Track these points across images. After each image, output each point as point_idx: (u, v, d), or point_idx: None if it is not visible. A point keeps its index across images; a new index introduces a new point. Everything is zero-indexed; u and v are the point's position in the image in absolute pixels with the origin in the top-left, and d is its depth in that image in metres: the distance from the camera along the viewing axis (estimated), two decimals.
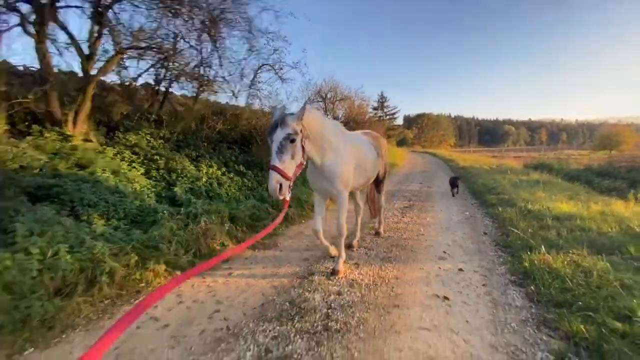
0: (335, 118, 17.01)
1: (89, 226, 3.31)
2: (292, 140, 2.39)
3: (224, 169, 6.31)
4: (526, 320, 2.44)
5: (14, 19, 4.51)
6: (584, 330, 2.20)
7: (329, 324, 2.32)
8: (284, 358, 1.96)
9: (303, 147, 2.50)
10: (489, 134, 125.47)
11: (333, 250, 3.49)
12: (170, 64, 6.50)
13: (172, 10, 5.48)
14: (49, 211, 3.20)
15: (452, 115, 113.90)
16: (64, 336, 2.16)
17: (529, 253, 3.57)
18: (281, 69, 7.96)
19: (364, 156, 3.48)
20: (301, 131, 2.47)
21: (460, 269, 3.39)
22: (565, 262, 3.22)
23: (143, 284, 2.79)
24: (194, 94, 7.19)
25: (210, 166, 6.09)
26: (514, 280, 3.16)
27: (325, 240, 3.31)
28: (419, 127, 67.77)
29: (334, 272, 3.17)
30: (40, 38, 4.45)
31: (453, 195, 7.77)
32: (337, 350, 2.05)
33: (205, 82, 7.04)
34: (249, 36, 6.58)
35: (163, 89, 7.16)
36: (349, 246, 3.96)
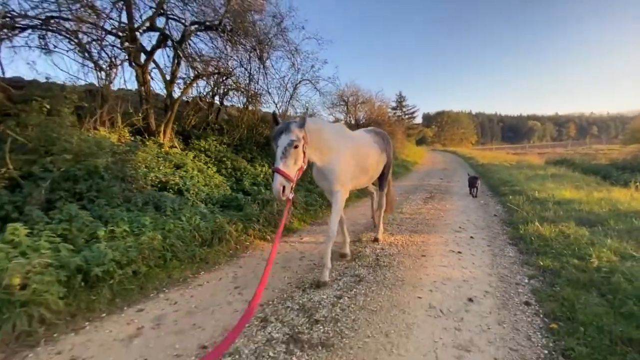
0: (357, 120, 18.24)
1: (198, 208, 4.72)
2: (296, 147, 2.58)
3: None
4: (514, 262, 3.61)
5: (123, 54, 6.03)
6: (550, 264, 3.34)
7: (379, 263, 3.58)
8: (355, 276, 3.24)
9: (304, 152, 2.71)
10: (512, 130, 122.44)
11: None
12: (226, 81, 7.96)
13: (233, 41, 6.91)
14: (174, 196, 4.63)
15: (474, 112, 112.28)
16: (215, 267, 3.53)
17: (525, 225, 4.68)
18: (317, 82, 9.31)
19: (365, 155, 3.64)
20: (303, 137, 2.67)
21: (472, 237, 4.55)
22: (553, 231, 4.32)
23: (248, 243, 4.17)
24: (244, 106, 8.62)
25: (263, 165, 7.48)
26: (510, 242, 4.31)
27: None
28: (439, 125, 67.81)
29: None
30: (143, 69, 5.96)
31: (473, 196, 7.60)
32: (387, 274, 3.30)
33: (252, 95, 8.47)
34: (291, 57, 7.95)
35: (217, 102, 8.64)
36: (374, 240, 4.37)
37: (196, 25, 6.20)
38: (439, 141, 60.85)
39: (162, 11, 5.71)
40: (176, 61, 6.65)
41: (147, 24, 5.64)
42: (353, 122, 17.70)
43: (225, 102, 8.73)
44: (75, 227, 3.10)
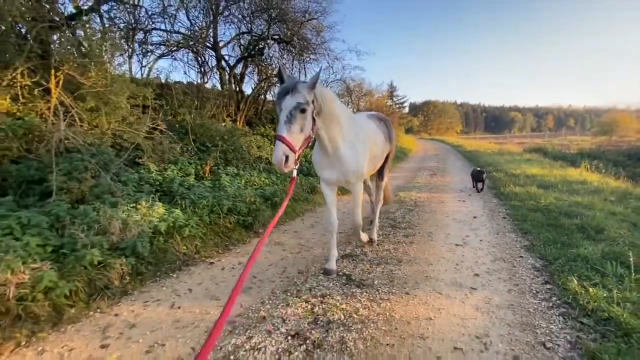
0: (359, 110, 20.54)
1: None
2: (303, 110, 2.27)
3: None
4: (497, 204, 6.09)
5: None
6: (517, 203, 5.84)
7: (417, 204, 5.96)
8: (407, 208, 5.61)
9: (314, 119, 2.38)
10: (494, 120, 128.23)
11: (333, 256, 3.20)
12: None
13: (289, 49, 9.01)
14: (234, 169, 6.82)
15: (458, 102, 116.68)
16: (310, 209, 5.80)
17: (504, 187, 7.19)
18: (346, 81, 11.51)
19: (375, 144, 3.40)
20: (313, 102, 2.35)
21: (469, 195, 7.01)
22: (521, 190, 6.82)
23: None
24: None
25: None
26: (494, 196, 6.81)
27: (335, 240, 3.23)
28: (425, 114, 71.05)
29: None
30: (230, 73, 8.00)
31: (478, 191, 7.11)
32: (425, 208, 5.68)
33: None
34: (330, 62, 10.10)
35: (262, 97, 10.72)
36: (369, 241, 3.94)
37: (272, 41, 8.24)
38: (425, 130, 64.06)
39: (248, 31, 7.75)
40: (244, 64, 8.70)
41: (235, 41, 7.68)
42: (356, 110, 20.00)
43: (269, 97, 10.82)
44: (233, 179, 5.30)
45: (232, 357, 1.96)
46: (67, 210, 2.92)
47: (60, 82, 3.53)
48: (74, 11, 4.45)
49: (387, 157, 3.96)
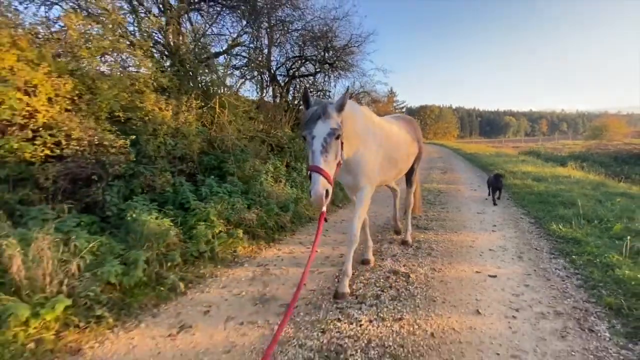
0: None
1: None
2: (337, 137, 2.16)
3: None
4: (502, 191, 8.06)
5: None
6: (517, 191, 7.80)
7: (441, 192, 7.89)
8: (434, 193, 7.54)
9: (342, 143, 2.27)
10: (489, 125, 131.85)
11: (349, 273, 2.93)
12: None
13: (323, 66, 10.96)
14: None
15: (454, 107, 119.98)
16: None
17: (505, 181, 9.17)
18: (370, 94, 13.50)
19: (396, 145, 3.29)
20: (341, 122, 2.24)
21: (479, 186, 8.97)
22: (519, 183, 8.80)
23: None
24: None
25: None
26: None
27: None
28: (422, 119, 73.69)
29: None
30: (283, 88, 9.88)
31: (494, 203, 6.44)
32: (446, 194, 7.61)
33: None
34: (360, 78, 12.07)
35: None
36: (403, 242, 4.09)
37: (321, 64, 10.16)
38: (422, 134, 66.48)
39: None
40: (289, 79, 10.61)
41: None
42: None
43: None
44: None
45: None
46: (241, 185, 4.78)
47: (217, 103, 5.40)
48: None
49: (414, 163, 3.90)
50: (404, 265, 3.51)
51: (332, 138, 2.14)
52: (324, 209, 2.07)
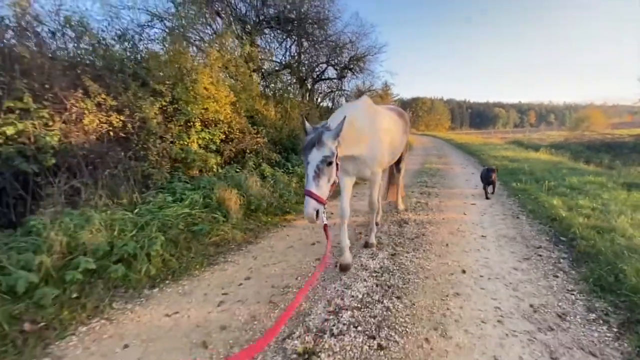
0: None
1: None
2: (330, 163, 2.39)
3: None
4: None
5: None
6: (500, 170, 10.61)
7: (440, 169, 10.65)
8: (429, 174, 10.29)
9: (337, 164, 2.52)
10: (479, 116, 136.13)
11: (347, 252, 3.30)
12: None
13: (343, 70, 13.54)
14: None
15: (445, 98, 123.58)
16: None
17: (487, 162, 11.98)
18: (378, 91, 16.11)
19: (395, 136, 3.73)
20: (337, 147, 2.47)
21: (466, 166, 11.75)
22: (499, 163, 11.60)
23: None
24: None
25: None
26: (481, 165, 11.60)
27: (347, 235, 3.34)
28: (414, 110, 76.73)
29: (367, 245, 3.83)
30: (311, 89, 12.41)
31: (487, 197, 6.41)
32: (443, 171, 10.36)
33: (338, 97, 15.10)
34: (369, 77, 14.66)
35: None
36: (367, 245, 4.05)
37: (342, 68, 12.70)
38: (414, 126, 69.67)
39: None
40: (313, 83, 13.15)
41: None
42: None
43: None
44: None
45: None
46: None
47: (289, 104, 7.96)
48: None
49: (405, 150, 4.46)
50: (424, 201, 6.19)
51: (325, 165, 2.36)
52: (324, 220, 2.41)
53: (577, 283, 2.98)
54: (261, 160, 6.37)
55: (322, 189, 2.37)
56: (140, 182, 4.33)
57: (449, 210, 5.54)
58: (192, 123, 5.33)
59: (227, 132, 5.89)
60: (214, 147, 5.63)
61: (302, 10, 9.97)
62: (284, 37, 9.96)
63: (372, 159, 3.15)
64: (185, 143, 5.18)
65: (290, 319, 2.39)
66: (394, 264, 3.40)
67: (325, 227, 2.46)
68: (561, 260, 3.47)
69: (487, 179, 6.49)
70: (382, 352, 2.09)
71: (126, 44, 5.27)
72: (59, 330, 2.26)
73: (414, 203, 6.02)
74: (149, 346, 2.17)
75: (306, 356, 2.04)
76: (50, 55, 3.94)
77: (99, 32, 4.81)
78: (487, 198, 6.35)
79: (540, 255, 3.60)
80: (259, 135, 6.23)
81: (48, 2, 4.30)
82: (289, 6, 9.50)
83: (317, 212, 2.32)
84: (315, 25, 10.73)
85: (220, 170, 5.51)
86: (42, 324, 2.24)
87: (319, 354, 2.06)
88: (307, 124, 2.62)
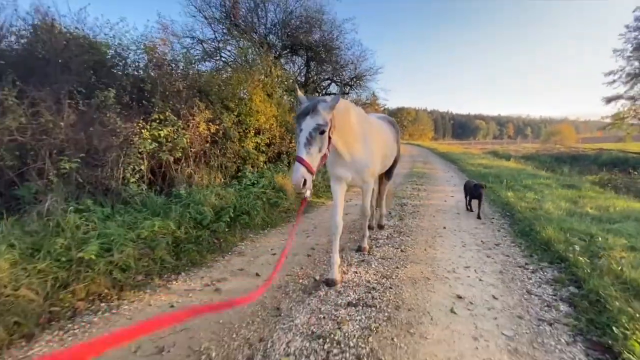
0: None
1: None
2: (322, 132, 2.42)
3: None
4: (461, 173, 13.18)
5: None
6: (470, 172, 12.94)
7: (425, 174, 12.89)
8: (417, 177, 12.51)
9: (330, 138, 2.54)
10: (461, 127, 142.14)
11: (337, 265, 3.30)
12: None
13: (344, 86, 15.70)
14: None
15: (429, 109, 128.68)
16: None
17: (464, 170, 14.34)
18: (372, 104, 18.35)
19: (387, 145, 3.80)
20: (330, 120, 2.50)
21: (447, 171, 14.07)
22: (474, 169, 13.98)
23: None
24: None
25: None
26: (460, 172, 13.94)
27: (334, 266, 3.25)
28: (399, 121, 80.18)
29: (360, 249, 4.06)
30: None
31: (478, 217, 5.92)
32: (429, 175, 12.60)
33: None
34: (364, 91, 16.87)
35: None
36: (379, 227, 5.12)
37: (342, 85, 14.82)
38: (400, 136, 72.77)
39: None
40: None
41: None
42: None
43: None
44: None
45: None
46: None
47: None
48: None
49: (395, 160, 4.49)
50: (416, 193, 8.30)
51: (317, 133, 2.40)
52: (308, 194, 2.47)
53: (509, 233, 5.11)
54: (291, 160, 8.34)
55: (313, 157, 2.39)
56: (222, 171, 6.24)
57: (434, 199, 7.68)
58: (248, 131, 7.26)
59: (270, 138, 7.84)
60: (262, 149, 7.57)
61: (316, 38, 12.09)
62: (296, 59, 12.02)
63: (365, 164, 3.17)
64: (244, 146, 7.10)
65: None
66: (402, 224, 5.47)
67: (303, 201, 2.60)
68: (504, 225, 5.60)
69: (473, 194, 6.29)
70: (403, 254, 4.11)
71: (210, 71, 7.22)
72: (227, 244, 4.18)
73: (409, 194, 8.12)
74: (277, 248, 4.11)
75: (367, 253, 4.05)
76: (179, 81, 5.80)
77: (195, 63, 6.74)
78: (469, 210, 6.47)
79: (492, 222, 5.74)
80: (291, 142, 8.20)
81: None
82: (303, 36, 11.58)
83: (305, 181, 2.33)
84: (323, 49, 12.84)
85: (265, 167, 7.44)
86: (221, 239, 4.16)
87: (374, 253, 4.08)
88: (300, 94, 2.74)
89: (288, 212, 5.78)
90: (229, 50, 10.55)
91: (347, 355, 2.18)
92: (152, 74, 5.54)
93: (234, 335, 2.37)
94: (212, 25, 11.35)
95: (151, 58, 5.67)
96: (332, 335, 2.37)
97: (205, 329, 2.42)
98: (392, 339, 2.36)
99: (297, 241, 4.47)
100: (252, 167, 7.27)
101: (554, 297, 3.04)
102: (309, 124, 2.41)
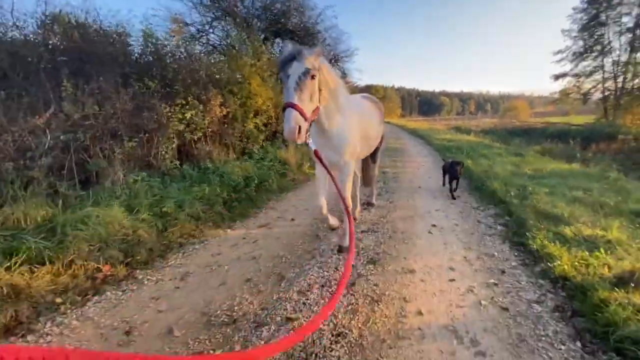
0: None
1: None
2: (312, 77, 2.26)
3: None
4: (429, 147, 14.93)
5: None
6: (436, 146, 14.72)
7: (404, 146, 14.48)
8: (395, 151, 14.09)
9: (320, 90, 2.38)
10: (427, 104, 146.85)
11: (332, 220, 3.47)
12: None
13: None
14: None
15: (396, 86, 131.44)
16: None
17: (431, 142, 16.12)
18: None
19: (369, 124, 3.56)
20: (319, 70, 2.36)
21: (416, 145, 15.78)
22: (439, 143, 15.78)
23: None
24: None
25: None
26: (428, 146, 15.71)
27: (328, 213, 3.39)
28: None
29: (342, 250, 3.51)
30: None
31: (452, 192, 5.85)
32: (407, 145, 14.20)
33: None
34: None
35: None
36: (368, 204, 5.26)
37: None
38: None
39: None
40: None
41: None
42: None
43: None
44: None
45: None
46: None
47: None
48: None
49: (380, 141, 4.46)
50: (394, 164, 9.79)
51: (308, 77, 2.21)
52: (310, 142, 2.25)
53: (467, 189, 6.70)
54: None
55: (305, 103, 2.19)
56: (233, 148, 7.30)
57: (409, 167, 9.23)
58: (249, 112, 8.26)
59: (267, 119, 8.89)
60: (262, 129, 8.63)
61: (294, 21, 12.89)
62: (280, 43, 12.81)
63: (343, 139, 2.95)
64: (246, 126, 8.12)
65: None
66: (387, 186, 6.91)
67: (316, 152, 2.39)
68: (464, 184, 7.20)
69: (451, 174, 5.93)
70: (392, 204, 5.52)
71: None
72: (259, 203, 5.38)
73: (388, 165, 9.61)
74: (297, 205, 5.36)
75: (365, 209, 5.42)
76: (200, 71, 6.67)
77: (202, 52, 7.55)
78: (453, 198, 5.76)
79: None
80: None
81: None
82: (285, 20, 12.37)
83: (299, 128, 2.11)
84: (305, 33, 13.69)
85: (263, 145, 8.54)
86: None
87: (369, 208, 5.46)
88: (287, 42, 2.61)
89: (294, 181, 7.02)
90: (216, 34, 11.16)
91: (370, 253, 3.55)
92: (175, 64, 6.41)
93: (296, 248, 3.72)
94: (197, 8, 11.82)
95: (175, 50, 6.52)
96: (359, 245, 3.73)
97: (276, 247, 3.73)
98: (394, 246, 3.79)
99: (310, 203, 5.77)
100: (254, 144, 8.34)
101: (494, 222, 4.61)
102: (296, 69, 2.22)
